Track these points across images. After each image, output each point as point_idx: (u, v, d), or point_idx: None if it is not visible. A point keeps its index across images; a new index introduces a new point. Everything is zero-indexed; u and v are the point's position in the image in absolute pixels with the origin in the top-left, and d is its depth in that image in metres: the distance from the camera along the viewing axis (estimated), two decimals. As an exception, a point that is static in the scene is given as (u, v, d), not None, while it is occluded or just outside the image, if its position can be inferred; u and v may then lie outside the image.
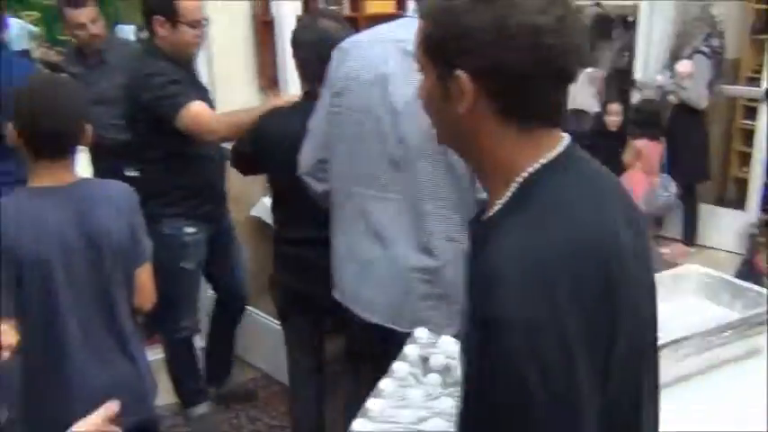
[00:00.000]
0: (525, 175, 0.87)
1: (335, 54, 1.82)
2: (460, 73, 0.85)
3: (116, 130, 3.39)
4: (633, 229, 0.91)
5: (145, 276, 1.82)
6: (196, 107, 2.37)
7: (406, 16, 1.93)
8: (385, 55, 1.71)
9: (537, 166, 0.87)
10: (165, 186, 2.54)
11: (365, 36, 1.84)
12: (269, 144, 2.18)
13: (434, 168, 1.66)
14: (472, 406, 0.83)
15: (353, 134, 1.75)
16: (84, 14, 3.25)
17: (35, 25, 6.79)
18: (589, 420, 0.81)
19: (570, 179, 0.88)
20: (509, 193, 0.88)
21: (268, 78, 3.41)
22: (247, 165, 2.36)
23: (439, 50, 0.87)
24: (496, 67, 0.83)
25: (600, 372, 0.82)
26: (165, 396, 2.81)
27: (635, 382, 0.90)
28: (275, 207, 2.35)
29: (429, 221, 1.69)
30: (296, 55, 2.14)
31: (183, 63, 2.51)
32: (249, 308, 3.04)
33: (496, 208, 0.89)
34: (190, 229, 2.59)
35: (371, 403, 1.30)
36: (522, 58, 0.82)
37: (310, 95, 2.11)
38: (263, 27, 3.37)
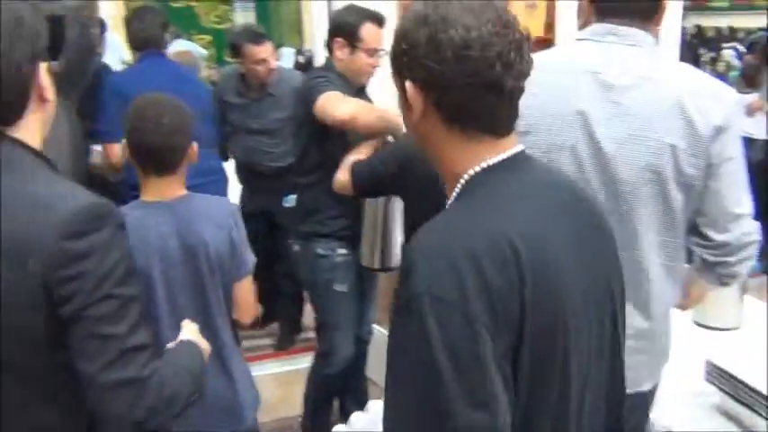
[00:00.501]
0: (466, 176, 0.98)
1: None
2: (408, 84, 0.97)
3: (273, 158, 3.57)
4: (587, 238, 1.01)
5: (245, 290, 1.85)
6: (331, 92, 2.35)
7: (586, 39, 1.58)
8: (579, 87, 1.50)
9: (477, 169, 0.97)
10: (319, 204, 2.57)
11: (547, 61, 1.55)
12: (415, 169, 2.15)
13: (650, 217, 1.50)
14: (390, 386, 0.91)
15: None
16: (265, 50, 3.39)
17: (206, 48, 7.35)
18: (498, 401, 0.86)
19: (505, 181, 0.97)
20: (454, 193, 0.99)
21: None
22: (384, 185, 2.34)
23: (395, 65, 1.00)
24: (430, 78, 0.95)
25: (508, 362, 0.88)
26: (290, 409, 2.88)
27: (560, 380, 0.94)
28: (410, 234, 2.33)
29: (644, 276, 1.52)
30: None
31: (353, 85, 2.53)
32: (376, 327, 3.06)
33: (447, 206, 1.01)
34: (342, 250, 2.58)
35: (356, 417, 1.36)
36: (450, 69, 0.93)
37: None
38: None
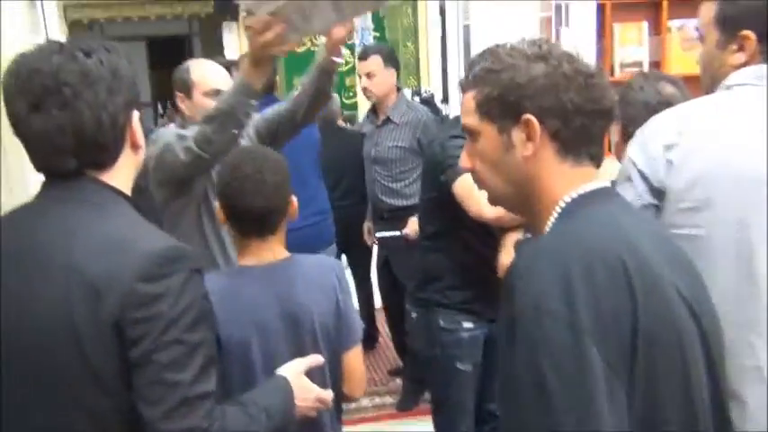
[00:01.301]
0: (566, 200, 1.01)
1: (672, 141, 1.32)
2: (529, 116, 1.00)
3: (388, 192, 3.44)
4: (674, 263, 1.00)
5: (354, 361, 1.66)
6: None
7: (746, 84, 1.36)
8: (755, 147, 1.25)
9: (576, 194, 1.01)
10: (441, 272, 2.33)
11: (719, 115, 1.34)
12: None
13: None
14: (500, 409, 0.97)
15: (730, 267, 1.26)
16: (362, 67, 3.41)
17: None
18: (605, 406, 0.86)
19: (604, 206, 1.01)
20: (553, 218, 1.01)
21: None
22: None
23: (499, 105, 1.02)
24: (559, 105, 0.99)
25: (621, 365, 0.88)
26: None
27: (677, 385, 0.93)
28: None
29: None
30: (623, 115, 1.75)
31: None
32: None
33: (546, 230, 1.02)
34: (468, 324, 2.30)
35: None
36: (578, 95, 0.99)
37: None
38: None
